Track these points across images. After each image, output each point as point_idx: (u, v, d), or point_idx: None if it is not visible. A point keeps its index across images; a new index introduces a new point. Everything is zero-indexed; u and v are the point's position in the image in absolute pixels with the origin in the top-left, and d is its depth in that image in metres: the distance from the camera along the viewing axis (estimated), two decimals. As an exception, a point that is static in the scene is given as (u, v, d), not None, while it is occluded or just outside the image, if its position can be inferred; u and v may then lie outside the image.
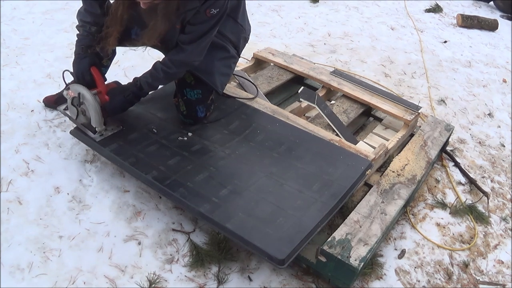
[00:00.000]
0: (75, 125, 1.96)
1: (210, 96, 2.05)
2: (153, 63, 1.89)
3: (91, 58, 1.89)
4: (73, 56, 1.91)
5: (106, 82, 1.95)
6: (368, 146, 2.23)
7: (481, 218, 2.17)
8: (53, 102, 2.27)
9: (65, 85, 1.97)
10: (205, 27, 1.79)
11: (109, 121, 1.93)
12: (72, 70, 1.92)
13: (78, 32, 1.89)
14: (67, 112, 1.96)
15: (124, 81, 2.01)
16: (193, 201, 1.67)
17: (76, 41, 1.90)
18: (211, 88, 2.01)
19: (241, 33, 2.06)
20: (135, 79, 1.91)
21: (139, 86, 1.89)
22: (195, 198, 1.68)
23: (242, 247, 1.73)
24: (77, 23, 1.89)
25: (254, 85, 2.42)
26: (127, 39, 1.95)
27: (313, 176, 1.84)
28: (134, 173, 1.80)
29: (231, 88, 2.31)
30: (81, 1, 1.87)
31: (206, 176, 1.78)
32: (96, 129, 1.88)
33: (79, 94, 1.83)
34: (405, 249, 1.94)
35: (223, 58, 2.00)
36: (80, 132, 1.95)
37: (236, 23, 2.01)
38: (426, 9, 4.77)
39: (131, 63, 2.77)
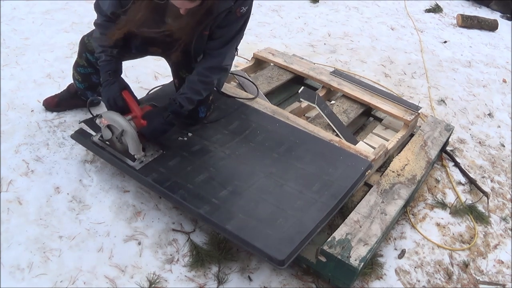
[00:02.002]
0: (75, 126, 1.95)
1: (210, 96, 2.05)
2: (187, 78, 1.83)
3: (120, 82, 1.82)
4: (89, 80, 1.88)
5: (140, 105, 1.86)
6: (368, 146, 2.23)
7: (481, 218, 2.18)
8: (54, 105, 2.26)
9: (88, 108, 1.93)
10: (236, 27, 1.75)
11: (147, 146, 1.84)
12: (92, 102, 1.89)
13: (100, 60, 1.82)
14: (101, 139, 1.86)
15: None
16: (193, 203, 1.66)
17: (100, 69, 1.83)
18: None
19: None
20: (172, 98, 1.82)
21: (179, 104, 1.79)
22: (195, 199, 1.68)
23: (242, 247, 1.73)
24: (96, 51, 1.83)
25: (255, 85, 2.42)
26: (128, 52, 1.92)
27: (313, 176, 1.84)
28: (134, 175, 1.80)
29: (231, 88, 2.31)
30: (94, 27, 1.83)
31: (206, 177, 1.78)
32: (135, 156, 1.78)
33: (113, 121, 1.73)
34: (405, 249, 1.95)
35: None
36: (81, 136, 1.93)
37: None
38: (426, 9, 4.77)
39: (131, 63, 2.76)
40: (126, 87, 1.83)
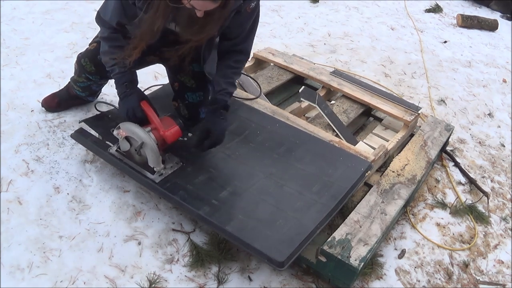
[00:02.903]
0: (75, 126, 1.95)
1: (209, 95, 2.06)
2: (218, 74, 1.82)
3: (138, 93, 1.78)
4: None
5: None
6: (368, 146, 2.23)
7: (481, 218, 2.18)
8: (55, 106, 2.25)
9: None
10: (250, 22, 1.73)
11: (166, 158, 1.80)
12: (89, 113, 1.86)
13: (114, 73, 1.77)
14: (118, 151, 1.82)
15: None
16: (193, 204, 1.66)
17: (115, 82, 1.78)
18: (209, 88, 2.02)
19: None
20: (214, 100, 1.79)
21: (225, 103, 1.78)
22: (195, 200, 1.68)
23: (242, 248, 1.73)
24: (107, 65, 1.78)
25: (259, 86, 2.42)
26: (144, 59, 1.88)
27: (313, 177, 1.84)
28: (133, 175, 1.80)
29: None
30: (101, 42, 1.77)
31: (206, 177, 1.78)
32: (155, 169, 1.74)
33: (132, 133, 1.69)
34: (405, 249, 1.95)
35: None
36: (81, 136, 1.93)
37: None
38: (426, 9, 4.77)
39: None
40: (144, 97, 1.79)
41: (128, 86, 1.76)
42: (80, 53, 2.02)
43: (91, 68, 1.97)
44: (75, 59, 2.06)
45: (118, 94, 1.78)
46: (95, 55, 1.92)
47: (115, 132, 1.75)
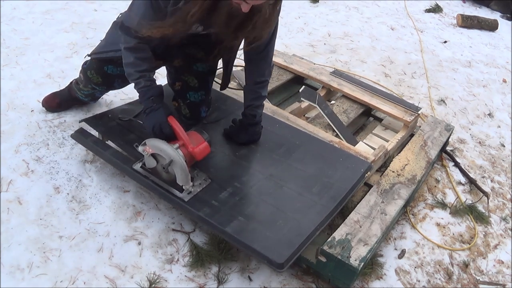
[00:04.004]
0: (75, 125, 1.95)
1: (210, 94, 2.07)
2: (249, 89, 1.88)
3: (165, 107, 1.70)
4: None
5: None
6: (368, 147, 2.23)
7: (481, 218, 2.18)
8: (55, 106, 2.25)
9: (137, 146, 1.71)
10: (266, 26, 1.64)
11: (195, 175, 1.74)
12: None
13: (139, 86, 1.69)
14: (143, 167, 1.74)
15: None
16: (193, 205, 1.66)
17: (140, 96, 1.70)
18: (211, 86, 2.04)
19: None
20: (243, 115, 1.91)
21: (253, 118, 1.89)
22: (195, 201, 1.68)
23: (242, 249, 1.73)
24: (131, 77, 1.69)
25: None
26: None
27: (313, 178, 1.84)
28: (134, 177, 1.80)
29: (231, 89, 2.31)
30: (123, 52, 1.67)
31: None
32: (183, 187, 1.67)
33: (159, 150, 1.62)
34: (405, 249, 1.94)
35: None
36: (82, 136, 1.92)
37: None
38: (426, 9, 4.77)
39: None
40: (171, 112, 1.72)
41: (154, 100, 1.68)
42: (85, 64, 1.99)
43: (98, 80, 1.96)
44: (80, 69, 2.05)
45: (143, 109, 1.71)
46: (101, 67, 1.91)
47: (140, 149, 1.66)
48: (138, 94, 1.72)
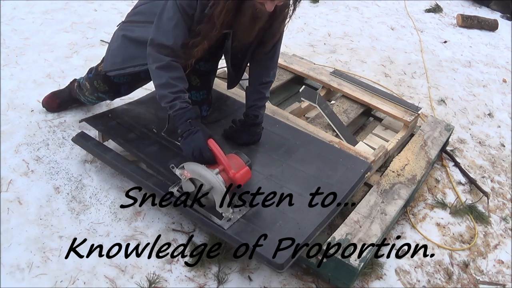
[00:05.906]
0: (75, 125, 1.94)
1: (211, 93, 2.08)
2: (252, 90, 1.89)
3: (204, 130, 1.60)
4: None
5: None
6: (368, 147, 2.23)
7: (481, 218, 2.17)
8: (56, 107, 2.25)
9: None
10: (281, 26, 1.65)
11: (235, 202, 1.65)
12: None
13: (174, 109, 1.59)
14: (180, 191, 1.66)
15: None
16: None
17: (176, 119, 1.61)
18: (212, 86, 2.06)
19: None
20: (245, 115, 1.91)
21: (255, 118, 1.90)
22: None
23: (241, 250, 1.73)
24: (165, 99, 1.59)
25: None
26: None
27: (313, 178, 1.84)
28: (134, 178, 1.79)
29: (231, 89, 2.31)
30: (151, 69, 1.60)
31: None
32: (223, 214, 1.60)
33: (199, 175, 1.54)
34: (405, 249, 1.94)
35: None
36: (82, 139, 1.92)
37: None
38: (426, 9, 4.77)
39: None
40: (211, 135, 1.62)
41: (192, 123, 1.59)
42: (91, 73, 1.98)
43: (105, 88, 1.96)
44: (84, 76, 2.05)
45: (180, 133, 1.62)
46: (108, 76, 1.90)
47: (178, 172, 1.58)
48: (174, 117, 1.62)
